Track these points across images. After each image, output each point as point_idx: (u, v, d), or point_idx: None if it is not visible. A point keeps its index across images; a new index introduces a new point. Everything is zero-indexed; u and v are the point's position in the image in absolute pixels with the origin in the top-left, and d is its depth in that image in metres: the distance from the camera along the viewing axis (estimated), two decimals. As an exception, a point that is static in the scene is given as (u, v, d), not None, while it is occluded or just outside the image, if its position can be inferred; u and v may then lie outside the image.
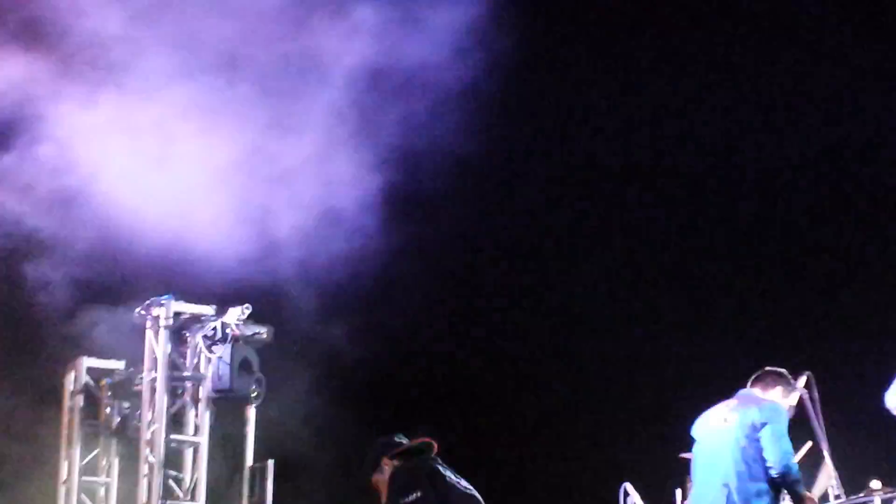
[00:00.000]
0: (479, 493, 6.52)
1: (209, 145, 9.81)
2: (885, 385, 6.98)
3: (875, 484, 7.99)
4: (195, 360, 10.62)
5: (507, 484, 11.85)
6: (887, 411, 6.70)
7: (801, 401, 8.43)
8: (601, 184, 12.22)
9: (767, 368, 8.19)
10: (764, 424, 7.69)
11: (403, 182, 10.57)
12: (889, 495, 7.83)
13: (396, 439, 6.59)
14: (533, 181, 11.94)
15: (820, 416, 8.35)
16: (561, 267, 12.53)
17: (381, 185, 10.06)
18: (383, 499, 6.31)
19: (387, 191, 10.24)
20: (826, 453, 8.13)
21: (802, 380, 8.54)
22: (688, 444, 8.34)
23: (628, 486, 9.01)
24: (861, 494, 7.97)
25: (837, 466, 8.34)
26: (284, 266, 10.22)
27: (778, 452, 7.59)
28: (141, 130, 9.84)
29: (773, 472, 7.63)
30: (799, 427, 8.20)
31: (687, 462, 8.41)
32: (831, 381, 8.75)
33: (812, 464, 8.17)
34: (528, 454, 12.03)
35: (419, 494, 5.99)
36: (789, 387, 8.11)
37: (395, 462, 6.32)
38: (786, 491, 7.93)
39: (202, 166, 9.83)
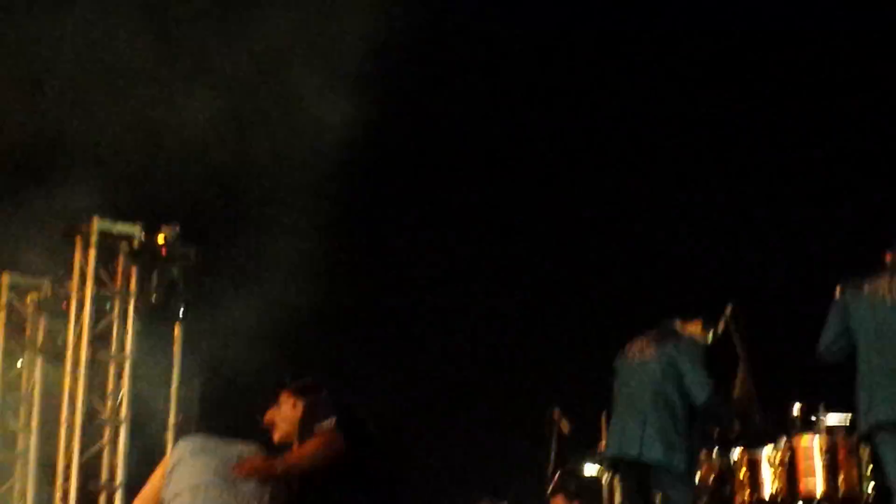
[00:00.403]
0: (410, 418, 6.48)
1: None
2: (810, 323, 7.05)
3: (796, 408, 8.11)
4: (123, 278, 10.51)
5: (435, 409, 11.89)
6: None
7: (726, 331, 8.53)
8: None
9: (690, 301, 8.27)
10: (682, 358, 7.77)
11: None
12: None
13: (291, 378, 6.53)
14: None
15: (744, 347, 8.45)
16: (492, 188, 12.47)
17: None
18: (278, 434, 6.24)
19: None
20: (749, 384, 8.25)
21: (727, 310, 8.63)
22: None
23: (557, 411, 9.07)
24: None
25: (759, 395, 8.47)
26: (216, 185, 10.09)
27: (696, 384, 7.66)
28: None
29: (693, 403, 7.71)
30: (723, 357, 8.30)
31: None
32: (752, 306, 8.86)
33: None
34: (458, 380, 12.05)
35: (336, 419, 5.93)
36: (711, 319, 8.19)
37: (301, 397, 6.25)
38: (709, 421, 8.04)
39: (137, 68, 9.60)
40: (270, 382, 6.35)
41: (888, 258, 6.81)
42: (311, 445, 5.77)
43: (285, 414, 6.17)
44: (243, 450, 5.83)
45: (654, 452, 7.59)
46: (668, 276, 11.36)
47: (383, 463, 6.05)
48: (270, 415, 6.22)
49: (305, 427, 5.89)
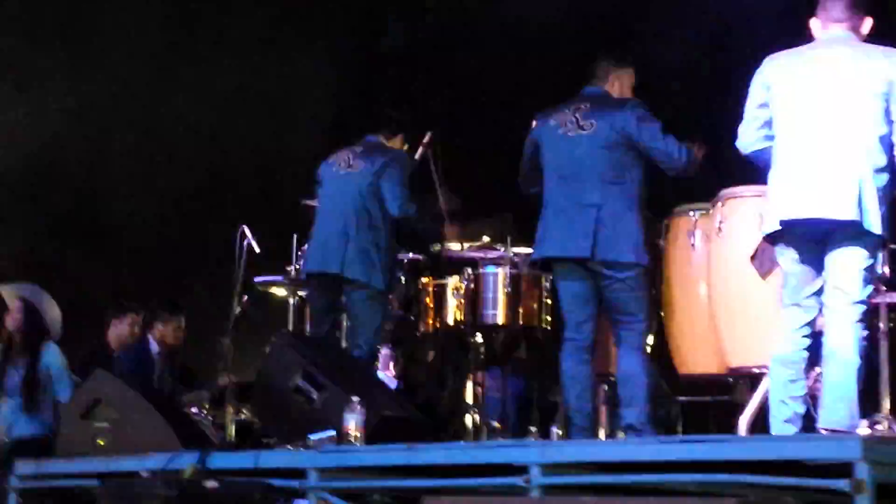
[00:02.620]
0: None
1: None
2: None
3: (484, 239, 8.26)
4: None
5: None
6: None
7: (424, 158, 8.58)
8: None
9: (394, 115, 8.25)
10: (388, 172, 7.78)
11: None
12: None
13: None
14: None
15: (440, 175, 8.54)
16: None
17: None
18: None
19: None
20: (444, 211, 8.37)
21: (426, 137, 8.66)
22: (310, 189, 8.30)
23: (245, 229, 8.94)
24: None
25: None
26: None
27: (397, 197, 7.70)
28: None
29: (394, 216, 7.76)
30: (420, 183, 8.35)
31: (309, 208, 8.40)
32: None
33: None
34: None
35: None
36: (405, 137, 8.21)
37: None
38: (412, 235, 8.12)
39: None
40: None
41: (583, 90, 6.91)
42: None
43: None
44: None
45: (354, 270, 7.61)
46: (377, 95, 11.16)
47: None
48: None
49: None
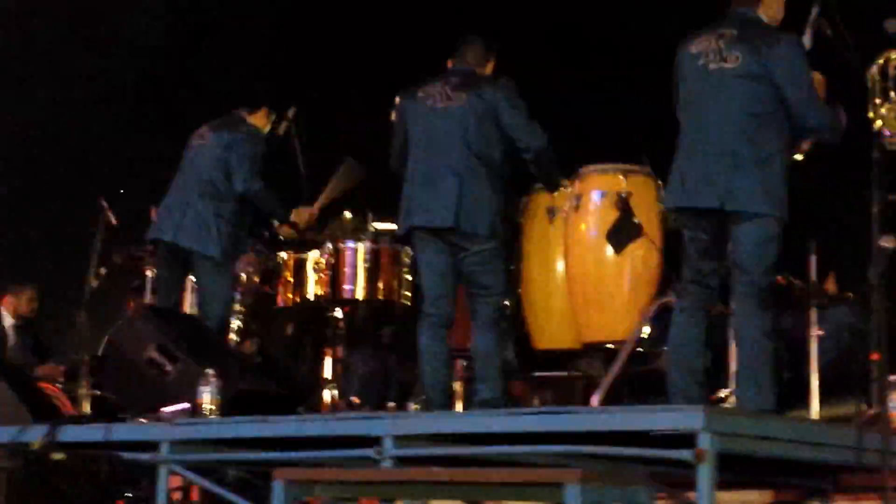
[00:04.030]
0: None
1: None
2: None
3: (345, 215, 8.25)
4: None
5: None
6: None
7: (287, 133, 8.55)
8: None
9: (257, 89, 8.24)
10: (234, 144, 7.80)
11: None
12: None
13: None
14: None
15: (300, 151, 8.52)
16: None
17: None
18: None
19: None
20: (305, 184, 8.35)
21: (289, 113, 8.62)
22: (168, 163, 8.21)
23: (103, 202, 8.85)
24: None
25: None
26: None
27: (243, 172, 7.73)
28: None
29: (237, 191, 7.76)
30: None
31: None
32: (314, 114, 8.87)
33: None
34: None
35: None
36: (269, 111, 8.19)
37: None
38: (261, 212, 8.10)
39: None
40: None
41: (449, 64, 6.90)
42: None
43: None
44: None
45: (189, 239, 7.61)
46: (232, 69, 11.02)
47: None
48: None
49: None
